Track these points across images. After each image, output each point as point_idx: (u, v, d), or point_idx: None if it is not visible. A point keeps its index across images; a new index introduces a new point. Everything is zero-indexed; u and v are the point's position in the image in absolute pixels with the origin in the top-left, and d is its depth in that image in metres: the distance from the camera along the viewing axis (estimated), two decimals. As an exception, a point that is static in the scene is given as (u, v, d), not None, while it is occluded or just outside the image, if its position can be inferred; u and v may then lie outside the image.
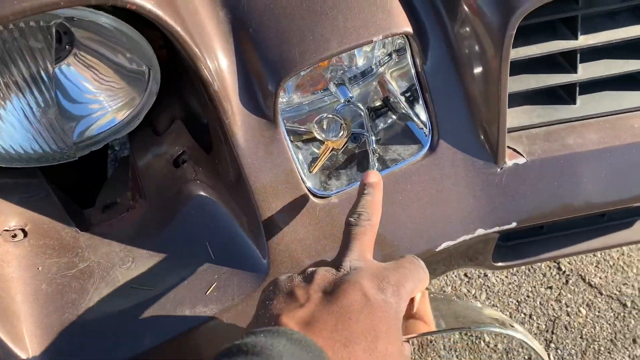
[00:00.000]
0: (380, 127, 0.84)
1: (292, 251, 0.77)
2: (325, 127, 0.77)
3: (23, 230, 0.76)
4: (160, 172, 0.82)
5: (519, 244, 1.04)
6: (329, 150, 0.78)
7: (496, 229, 0.84)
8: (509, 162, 0.82)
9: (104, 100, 0.77)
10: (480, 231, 0.84)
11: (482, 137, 0.81)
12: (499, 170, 0.82)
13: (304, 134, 0.80)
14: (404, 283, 0.55)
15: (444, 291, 1.75)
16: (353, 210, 0.63)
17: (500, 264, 1.03)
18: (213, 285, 0.75)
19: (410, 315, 0.59)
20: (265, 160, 0.74)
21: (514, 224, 0.84)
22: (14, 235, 0.76)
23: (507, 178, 0.82)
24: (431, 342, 1.65)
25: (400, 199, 0.80)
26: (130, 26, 0.67)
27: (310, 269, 0.58)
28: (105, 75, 0.76)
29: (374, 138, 0.82)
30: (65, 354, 0.71)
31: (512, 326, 0.59)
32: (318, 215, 0.78)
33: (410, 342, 0.56)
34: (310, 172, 0.77)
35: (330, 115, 0.78)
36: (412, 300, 0.58)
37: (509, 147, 0.82)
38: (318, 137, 0.78)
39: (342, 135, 0.77)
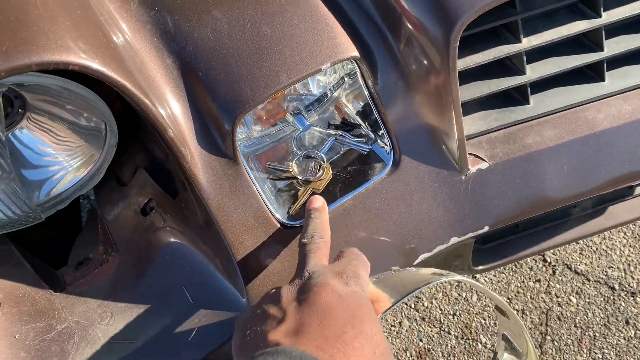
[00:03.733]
0: (341, 150, 0.85)
1: (269, 285, 0.77)
2: (304, 167, 0.78)
3: (-5, 300, 0.75)
4: (130, 222, 0.82)
5: (496, 245, 1.05)
6: (309, 191, 0.78)
7: (470, 235, 0.85)
8: (473, 169, 0.83)
9: (64, 160, 0.77)
10: (454, 239, 0.84)
11: (443, 147, 0.82)
12: (463, 177, 0.83)
13: (283, 173, 0.81)
14: (359, 272, 0.61)
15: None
16: (305, 234, 0.67)
17: (480, 267, 1.04)
18: (195, 331, 0.74)
19: None
20: (231, 198, 0.74)
21: (486, 228, 0.85)
22: (-13, 307, 0.74)
23: (473, 184, 0.83)
24: (429, 351, 1.65)
25: (371, 219, 0.81)
26: (80, 85, 0.68)
27: (272, 290, 0.61)
28: (62, 135, 0.75)
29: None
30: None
31: (449, 274, 0.67)
32: (291, 246, 0.78)
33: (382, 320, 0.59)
34: (289, 213, 0.78)
35: (311, 156, 0.79)
36: None
37: (470, 153, 0.83)
38: (298, 177, 0.78)
39: (319, 175, 0.78)
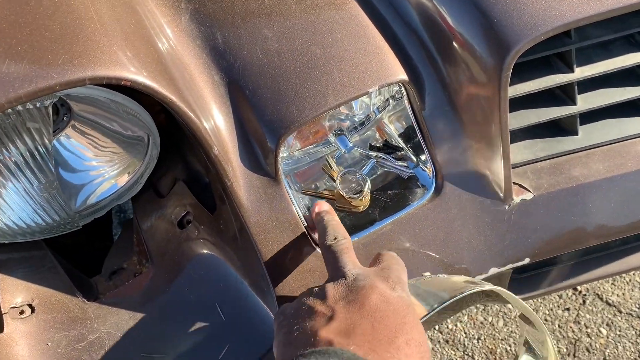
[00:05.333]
0: (382, 172, 0.83)
1: (303, 307, 0.76)
2: (347, 182, 0.76)
3: (30, 305, 0.75)
4: (165, 234, 0.82)
5: (533, 275, 1.02)
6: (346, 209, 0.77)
7: (509, 266, 0.83)
8: (517, 199, 0.80)
9: (104, 167, 0.77)
10: (493, 270, 0.82)
11: (488, 175, 0.80)
12: (507, 207, 0.80)
13: (321, 194, 0.80)
14: (402, 277, 0.61)
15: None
16: (325, 236, 0.66)
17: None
18: (225, 349, 0.73)
19: None
20: (270, 217, 0.73)
21: (527, 260, 0.83)
22: (22, 312, 0.74)
23: (516, 215, 0.81)
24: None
25: (409, 246, 0.79)
26: (126, 97, 0.68)
27: (315, 288, 0.60)
28: (104, 144, 0.76)
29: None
30: None
31: (481, 283, 0.66)
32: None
33: None
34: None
35: (358, 175, 0.77)
36: None
37: (515, 183, 0.81)
38: (341, 191, 0.76)
39: (358, 196, 0.76)
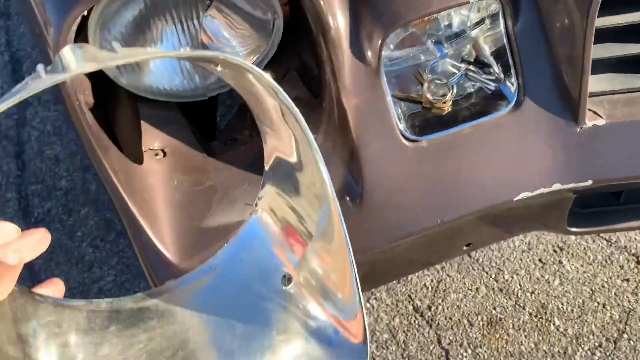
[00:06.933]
0: (471, 84, 0.93)
1: (380, 182, 0.88)
2: (433, 87, 0.88)
3: (163, 151, 0.93)
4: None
5: (595, 212, 1.09)
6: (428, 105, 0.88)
7: (572, 185, 0.91)
8: (589, 123, 0.88)
9: (236, 46, 0.92)
10: (557, 186, 0.91)
11: (565, 98, 0.88)
12: (579, 129, 0.89)
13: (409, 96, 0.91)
14: None
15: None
16: None
17: (574, 229, 1.08)
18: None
19: None
20: (366, 102, 0.86)
21: (589, 182, 0.90)
22: (157, 154, 0.92)
23: (587, 138, 0.89)
24: (500, 320, 1.70)
25: (484, 150, 0.89)
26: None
27: None
28: (238, 24, 0.90)
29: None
30: (192, 251, 0.86)
31: None
32: (407, 156, 0.88)
33: None
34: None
35: (445, 81, 0.88)
36: None
37: (589, 109, 0.89)
38: (427, 94, 0.88)
39: (442, 99, 0.86)
